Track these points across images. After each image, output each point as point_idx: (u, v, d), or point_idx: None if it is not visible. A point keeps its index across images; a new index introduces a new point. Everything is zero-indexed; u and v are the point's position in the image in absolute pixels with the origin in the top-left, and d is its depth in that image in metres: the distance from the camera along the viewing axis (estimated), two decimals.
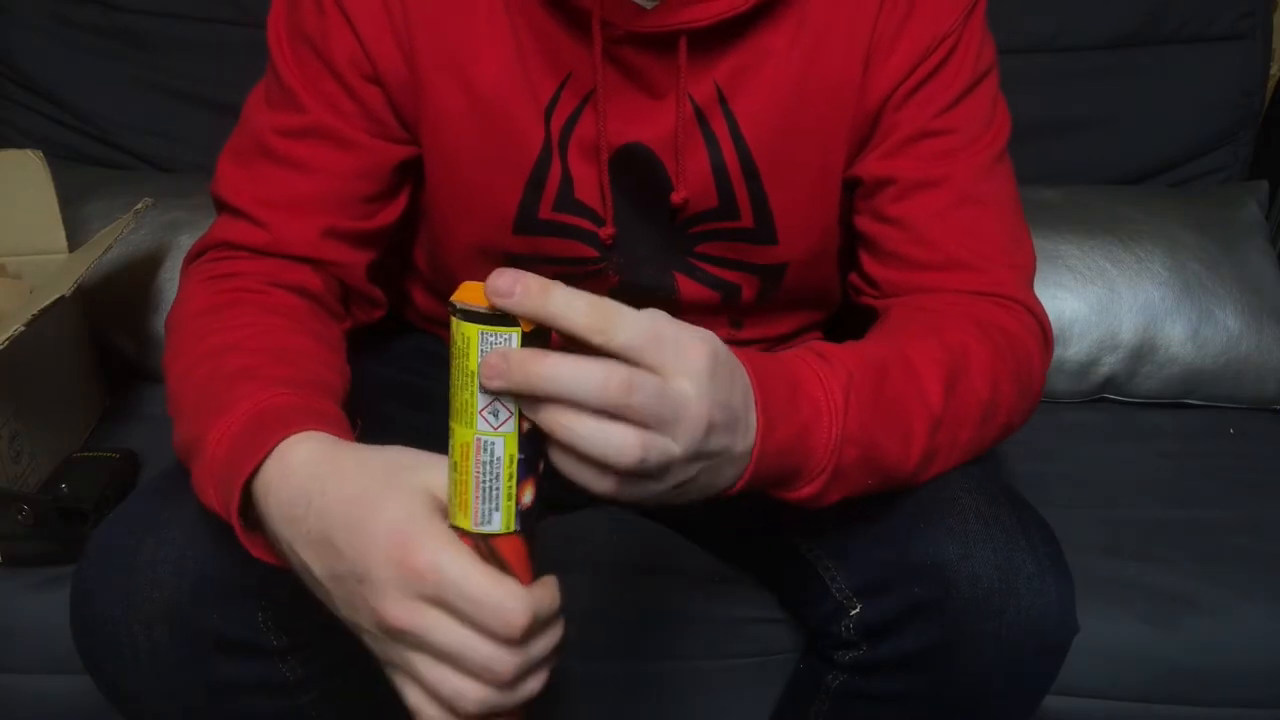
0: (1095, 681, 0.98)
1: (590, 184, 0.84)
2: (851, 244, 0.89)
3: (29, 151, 1.15)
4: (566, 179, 0.84)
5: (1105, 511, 1.11)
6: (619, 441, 0.53)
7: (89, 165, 1.42)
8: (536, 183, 0.84)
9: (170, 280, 1.28)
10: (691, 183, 0.84)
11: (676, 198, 0.84)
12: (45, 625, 0.95)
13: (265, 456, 0.62)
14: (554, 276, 0.76)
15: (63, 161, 1.31)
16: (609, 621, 0.95)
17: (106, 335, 1.27)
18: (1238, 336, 1.29)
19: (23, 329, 0.97)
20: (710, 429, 0.56)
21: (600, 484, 0.55)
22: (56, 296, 1.00)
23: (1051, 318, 1.25)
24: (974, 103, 0.85)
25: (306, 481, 0.60)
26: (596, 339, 0.53)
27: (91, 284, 1.23)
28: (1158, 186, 1.46)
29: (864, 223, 0.87)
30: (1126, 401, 1.32)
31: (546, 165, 0.84)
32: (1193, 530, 1.09)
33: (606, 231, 0.85)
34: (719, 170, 0.84)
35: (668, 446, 0.54)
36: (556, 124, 0.83)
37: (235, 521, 0.62)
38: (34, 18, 1.43)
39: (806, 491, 0.66)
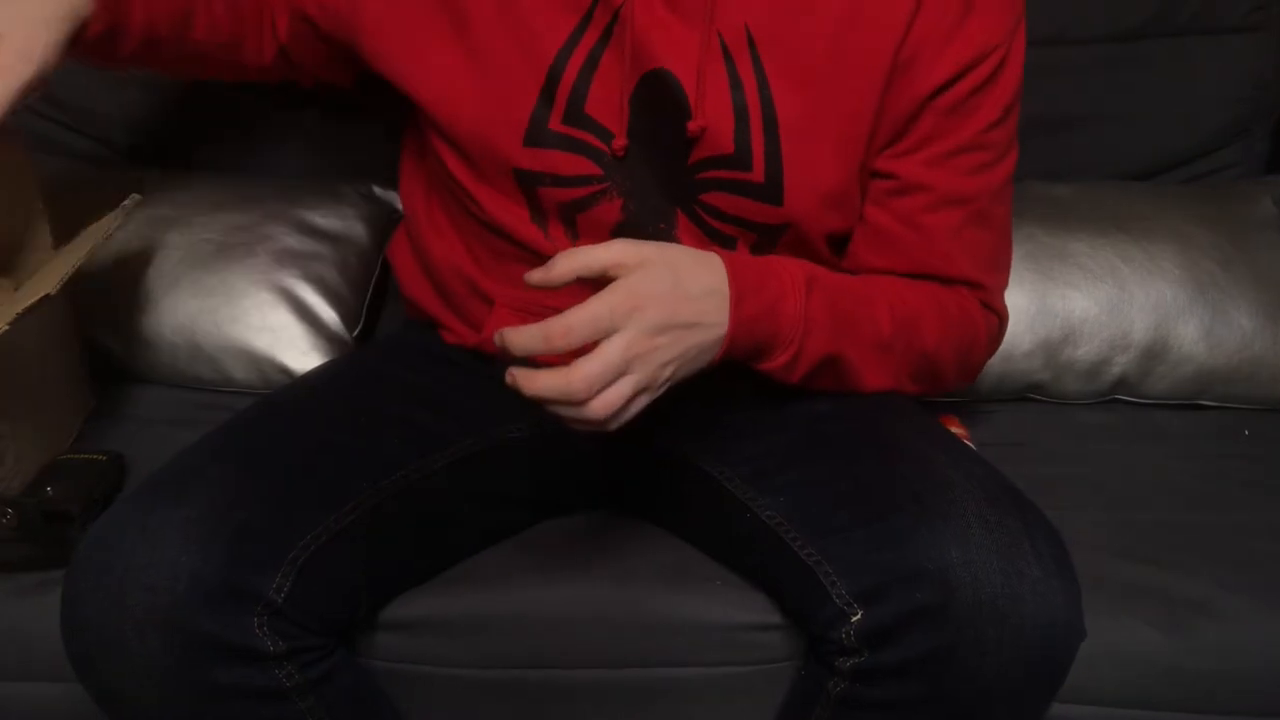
0: (1103, 689, 0.95)
1: (606, 100, 0.86)
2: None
3: (9, 144, 1.13)
4: (579, 93, 0.86)
5: (1117, 514, 1.09)
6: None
7: (78, 159, 1.41)
8: (548, 93, 0.86)
9: (159, 279, 1.26)
10: (709, 116, 0.85)
11: (694, 125, 0.85)
12: (31, 631, 0.93)
13: None
14: (560, 202, 0.89)
15: (53, 157, 1.31)
16: (607, 627, 0.94)
17: (94, 335, 1.25)
18: (1252, 336, 1.26)
19: (7, 328, 0.95)
20: (650, 307, 0.71)
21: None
22: (42, 295, 0.98)
23: (1061, 317, 1.27)
24: (1012, 120, 0.89)
25: None
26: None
27: (78, 282, 1.21)
28: (1170, 182, 1.44)
29: (880, 216, 0.89)
30: (1139, 403, 1.30)
31: (559, 77, 0.86)
32: (1206, 534, 1.07)
33: (618, 143, 0.86)
34: (740, 113, 0.85)
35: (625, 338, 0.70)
36: (588, 40, 0.85)
37: None
38: None
39: (779, 361, 0.81)
